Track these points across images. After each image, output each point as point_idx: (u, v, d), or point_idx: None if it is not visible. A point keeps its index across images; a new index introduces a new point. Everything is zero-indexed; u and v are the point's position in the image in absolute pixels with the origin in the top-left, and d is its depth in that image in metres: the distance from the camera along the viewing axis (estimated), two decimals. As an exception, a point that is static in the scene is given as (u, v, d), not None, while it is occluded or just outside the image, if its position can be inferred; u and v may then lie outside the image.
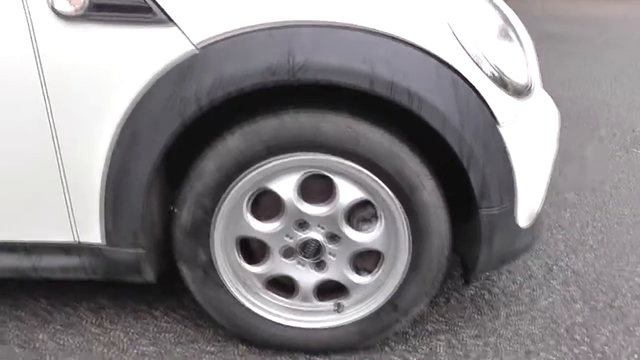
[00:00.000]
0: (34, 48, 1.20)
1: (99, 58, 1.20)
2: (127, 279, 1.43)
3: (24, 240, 1.41)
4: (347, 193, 1.30)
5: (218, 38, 1.17)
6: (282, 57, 1.16)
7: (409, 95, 1.20)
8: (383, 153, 1.25)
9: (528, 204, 1.38)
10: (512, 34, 1.40)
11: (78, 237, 1.38)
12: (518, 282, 1.77)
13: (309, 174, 1.29)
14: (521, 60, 1.38)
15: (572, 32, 5.40)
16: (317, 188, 1.31)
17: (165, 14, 1.17)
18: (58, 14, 1.18)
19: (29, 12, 1.19)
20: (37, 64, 1.21)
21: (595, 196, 2.32)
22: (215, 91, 1.18)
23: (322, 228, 1.33)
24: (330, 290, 1.43)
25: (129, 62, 1.20)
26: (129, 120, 1.22)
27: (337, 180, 1.29)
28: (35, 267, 1.44)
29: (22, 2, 1.18)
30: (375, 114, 1.27)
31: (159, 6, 1.17)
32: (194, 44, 1.17)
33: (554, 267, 1.84)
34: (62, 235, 1.39)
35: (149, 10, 1.17)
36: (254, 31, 1.17)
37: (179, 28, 1.17)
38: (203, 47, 1.17)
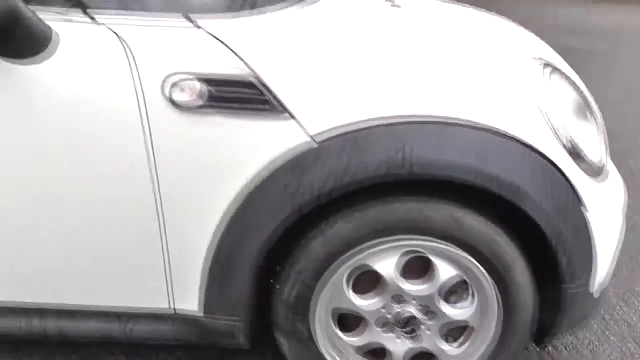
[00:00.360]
0: (146, 135, 1.23)
1: (212, 147, 1.23)
2: (219, 344, 1.48)
3: (118, 306, 1.45)
4: (444, 272, 1.35)
5: (336, 132, 1.21)
6: (399, 153, 1.20)
7: (511, 188, 1.25)
8: (481, 237, 1.30)
9: (602, 277, 1.45)
10: (588, 112, 1.46)
11: (174, 305, 1.42)
12: (579, 335, 1.84)
13: (410, 254, 1.34)
14: (597, 141, 1.45)
15: (589, 46, 5.37)
16: (413, 265, 1.36)
17: (283, 106, 1.20)
18: (174, 103, 1.21)
19: (145, 101, 1.21)
20: (148, 150, 1.24)
21: (636, 236, 2.39)
22: (333, 184, 1.21)
23: (419, 303, 1.38)
24: (417, 355, 1.48)
25: (244, 152, 1.23)
26: (242, 207, 1.26)
27: (436, 261, 1.34)
28: (125, 333, 1.47)
29: (136, 91, 1.21)
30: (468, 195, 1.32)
31: (277, 99, 1.20)
32: (311, 137, 1.21)
33: (610, 320, 1.91)
34: (158, 304, 1.42)
35: (266, 102, 1.20)
36: (372, 126, 1.21)
37: (297, 121, 1.21)
38: (321, 141, 1.21)
